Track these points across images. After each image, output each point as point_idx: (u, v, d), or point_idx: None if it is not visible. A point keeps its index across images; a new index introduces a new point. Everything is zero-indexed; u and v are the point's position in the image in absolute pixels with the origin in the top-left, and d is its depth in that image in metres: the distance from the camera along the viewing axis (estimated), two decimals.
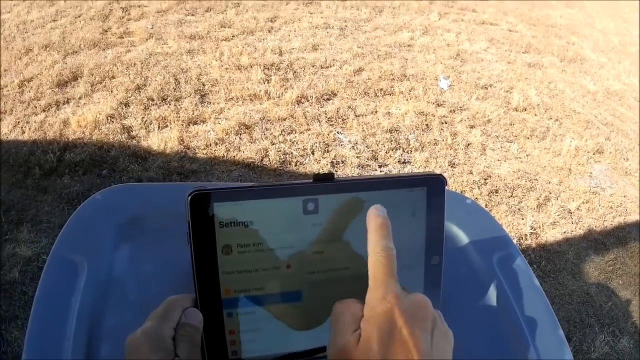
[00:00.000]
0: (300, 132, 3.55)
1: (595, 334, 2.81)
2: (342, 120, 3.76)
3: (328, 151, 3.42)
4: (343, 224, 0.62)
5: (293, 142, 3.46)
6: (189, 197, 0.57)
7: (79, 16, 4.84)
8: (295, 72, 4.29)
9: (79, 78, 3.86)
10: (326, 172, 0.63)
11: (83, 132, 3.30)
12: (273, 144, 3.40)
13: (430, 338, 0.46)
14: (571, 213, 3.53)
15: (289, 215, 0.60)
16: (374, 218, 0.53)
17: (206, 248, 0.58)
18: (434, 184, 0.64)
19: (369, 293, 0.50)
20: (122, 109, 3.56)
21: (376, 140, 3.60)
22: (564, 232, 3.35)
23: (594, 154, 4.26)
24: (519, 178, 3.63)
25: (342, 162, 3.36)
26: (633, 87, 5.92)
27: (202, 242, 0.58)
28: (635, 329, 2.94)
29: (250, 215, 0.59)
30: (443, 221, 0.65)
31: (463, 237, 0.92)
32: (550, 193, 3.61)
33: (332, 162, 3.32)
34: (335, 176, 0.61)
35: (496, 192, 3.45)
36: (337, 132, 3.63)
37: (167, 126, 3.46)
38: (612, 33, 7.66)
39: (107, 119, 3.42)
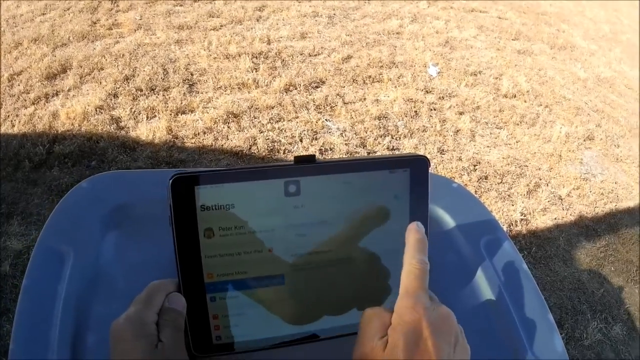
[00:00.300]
0: (289, 120, 3.52)
1: (587, 320, 2.80)
2: (331, 107, 3.73)
3: (316, 138, 3.39)
4: (325, 206, 0.62)
5: (281, 130, 3.42)
6: (170, 181, 0.56)
7: (68, 9, 4.79)
8: (283, 60, 4.26)
9: (67, 70, 3.81)
10: (308, 154, 0.61)
11: (72, 124, 3.27)
12: (261, 132, 3.37)
13: (453, 351, 0.49)
14: (562, 199, 3.51)
15: (270, 198, 0.60)
16: (414, 233, 0.56)
17: (188, 232, 0.58)
18: (417, 165, 0.64)
19: (398, 301, 0.52)
20: (111, 100, 3.52)
21: (365, 127, 3.57)
22: (555, 219, 3.33)
23: (584, 140, 4.25)
24: (508, 164, 3.61)
25: (331, 149, 3.33)
26: (624, 74, 5.91)
27: (184, 226, 0.58)
28: (628, 315, 2.93)
29: (232, 198, 0.59)
30: (427, 202, 0.65)
31: (449, 221, 0.91)
32: (540, 179, 3.59)
33: (320, 150, 3.29)
34: (318, 158, 0.60)
35: (486, 179, 3.43)
36: (326, 119, 3.60)
37: (155, 116, 3.42)
38: (602, 21, 7.65)
39: (96, 111, 3.39)
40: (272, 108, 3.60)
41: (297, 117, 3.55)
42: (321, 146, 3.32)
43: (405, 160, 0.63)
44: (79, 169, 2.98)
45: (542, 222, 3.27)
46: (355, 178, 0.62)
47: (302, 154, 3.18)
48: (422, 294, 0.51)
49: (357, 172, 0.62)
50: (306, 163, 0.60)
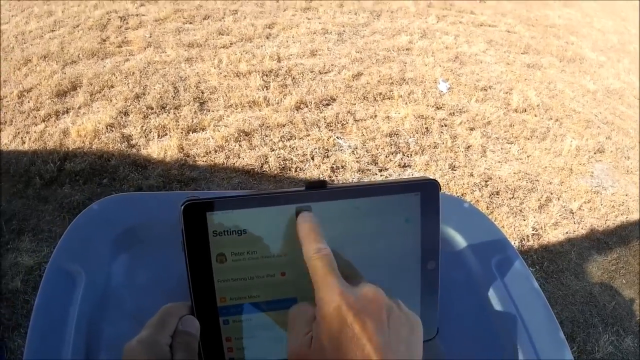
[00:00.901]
0: (300, 138, 3.56)
1: (599, 333, 2.80)
2: (342, 125, 3.76)
3: (328, 156, 3.42)
4: (336, 230, 0.62)
5: (293, 148, 3.46)
6: (182, 207, 0.57)
7: (77, 26, 4.86)
8: (294, 78, 4.30)
9: (78, 88, 3.87)
10: (319, 179, 0.62)
11: (83, 142, 3.31)
12: (273, 150, 3.40)
13: (387, 328, 0.46)
14: (573, 213, 3.52)
15: (282, 223, 0.60)
16: (301, 227, 0.56)
17: (201, 257, 0.59)
18: (428, 189, 0.64)
19: (315, 295, 0.50)
20: (122, 118, 3.56)
21: (376, 145, 3.59)
22: (566, 233, 3.34)
23: (595, 153, 4.26)
24: (519, 179, 3.62)
25: (342, 167, 3.35)
26: (633, 85, 5.91)
27: (197, 251, 0.58)
28: None
29: (244, 224, 0.59)
30: (438, 226, 0.65)
31: (461, 241, 0.91)
32: (551, 193, 3.60)
33: (332, 167, 3.32)
34: (329, 184, 0.61)
35: (497, 194, 3.44)
36: (337, 137, 3.63)
37: (166, 134, 3.46)
38: (610, 32, 7.66)
39: (107, 128, 3.43)
40: (284, 126, 3.64)
41: (308, 135, 3.58)
42: (332, 164, 3.35)
43: (416, 184, 0.64)
44: (90, 186, 3.01)
45: (553, 236, 3.28)
46: (366, 203, 0.62)
47: (313, 172, 3.22)
48: (333, 280, 0.49)
49: (368, 197, 0.62)
50: (317, 188, 0.60)
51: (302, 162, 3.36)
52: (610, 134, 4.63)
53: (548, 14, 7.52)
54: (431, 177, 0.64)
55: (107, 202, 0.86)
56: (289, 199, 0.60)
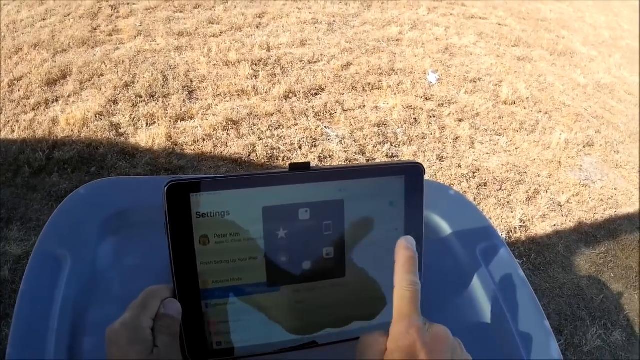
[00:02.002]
0: (288, 127, 3.53)
1: (587, 327, 2.79)
2: (330, 114, 3.73)
3: (316, 146, 3.40)
4: (320, 212, 0.62)
5: (280, 137, 3.43)
6: (166, 188, 0.57)
7: (68, 15, 4.80)
8: (283, 67, 4.26)
9: (68, 76, 3.82)
10: (303, 161, 0.63)
11: (72, 130, 3.27)
12: (260, 139, 3.37)
13: None
14: (561, 206, 3.51)
15: (266, 204, 0.60)
16: (403, 251, 0.56)
17: (183, 239, 0.58)
18: (412, 172, 0.64)
19: (393, 326, 0.52)
20: (111, 106, 3.53)
21: (364, 135, 3.57)
22: (554, 225, 3.33)
23: (584, 146, 4.25)
24: (508, 171, 3.61)
25: (330, 156, 3.33)
26: (623, 80, 5.92)
27: (180, 233, 0.58)
28: (628, 322, 2.93)
29: (227, 206, 0.59)
30: (422, 209, 0.65)
31: (446, 228, 0.91)
32: (539, 186, 3.59)
33: (319, 157, 3.29)
34: (312, 166, 0.61)
35: (485, 186, 3.43)
36: (325, 126, 3.60)
37: (155, 123, 3.43)
38: (602, 27, 7.66)
39: (96, 117, 3.39)
40: (272, 115, 3.61)
41: (296, 125, 3.55)
42: (320, 153, 3.32)
43: (400, 167, 0.63)
44: (78, 175, 2.98)
45: (541, 228, 3.27)
46: (350, 185, 0.62)
47: (301, 160, 3.19)
48: (415, 316, 0.52)
49: (352, 179, 0.62)
50: (301, 170, 0.60)
51: (289, 151, 3.33)
52: (600, 128, 4.63)
53: (540, 7, 7.51)
54: (416, 161, 0.63)
55: (93, 186, 0.86)
56: (273, 180, 0.60)
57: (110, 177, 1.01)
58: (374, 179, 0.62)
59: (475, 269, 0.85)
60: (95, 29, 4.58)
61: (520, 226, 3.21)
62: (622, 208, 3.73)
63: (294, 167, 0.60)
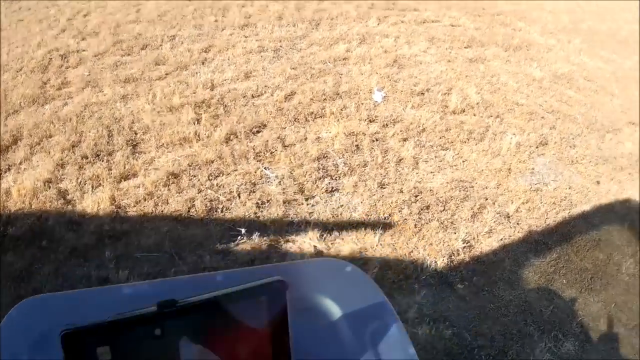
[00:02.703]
0: (227, 174, 3.52)
1: (534, 342, 2.78)
2: (271, 153, 3.72)
3: (254, 191, 3.38)
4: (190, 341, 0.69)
5: (220, 186, 3.42)
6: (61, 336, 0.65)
7: (20, 69, 4.79)
8: (225, 106, 4.26)
9: (19, 141, 3.79)
10: (168, 299, 0.68)
11: (23, 202, 3.26)
12: (200, 192, 3.36)
13: None
14: (509, 217, 3.49)
15: (142, 340, 0.67)
16: None
17: None
18: (274, 290, 0.69)
19: None
20: (58, 171, 3.50)
21: (303, 172, 3.56)
22: (501, 239, 3.31)
23: (537, 147, 4.24)
24: (452, 189, 3.59)
25: (268, 201, 3.32)
26: (583, 66, 5.89)
27: None
28: (582, 328, 2.91)
29: (113, 352, 0.66)
30: (287, 325, 0.70)
31: (336, 311, 0.92)
32: (486, 199, 3.57)
33: (257, 204, 3.28)
34: (178, 301, 0.66)
35: (427, 209, 3.41)
36: (265, 167, 3.59)
37: (100, 185, 3.41)
38: (562, 12, 7.61)
39: (45, 185, 3.36)
40: (212, 162, 3.60)
41: (235, 170, 3.54)
42: (258, 199, 3.31)
43: (262, 288, 0.68)
44: (31, 250, 2.96)
45: (487, 245, 3.25)
46: (217, 316, 0.68)
47: (239, 210, 3.20)
48: None
49: (217, 310, 0.67)
50: (168, 307, 0.65)
51: (228, 200, 3.32)
52: (555, 123, 4.61)
53: (496, 2, 7.47)
54: (277, 278, 0.68)
55: (23, 307, 0.92)
56: (143, 321, 0.66)
57: (39, 296, 1.05)
58: (238, 304, 0.68)
59: (362, 354, 0.86)
60: (45, 83, 4.57)
61: (464, 247, 3.19)
62: (576, 207, 3.71)
63: (161, 305, 0.65)
